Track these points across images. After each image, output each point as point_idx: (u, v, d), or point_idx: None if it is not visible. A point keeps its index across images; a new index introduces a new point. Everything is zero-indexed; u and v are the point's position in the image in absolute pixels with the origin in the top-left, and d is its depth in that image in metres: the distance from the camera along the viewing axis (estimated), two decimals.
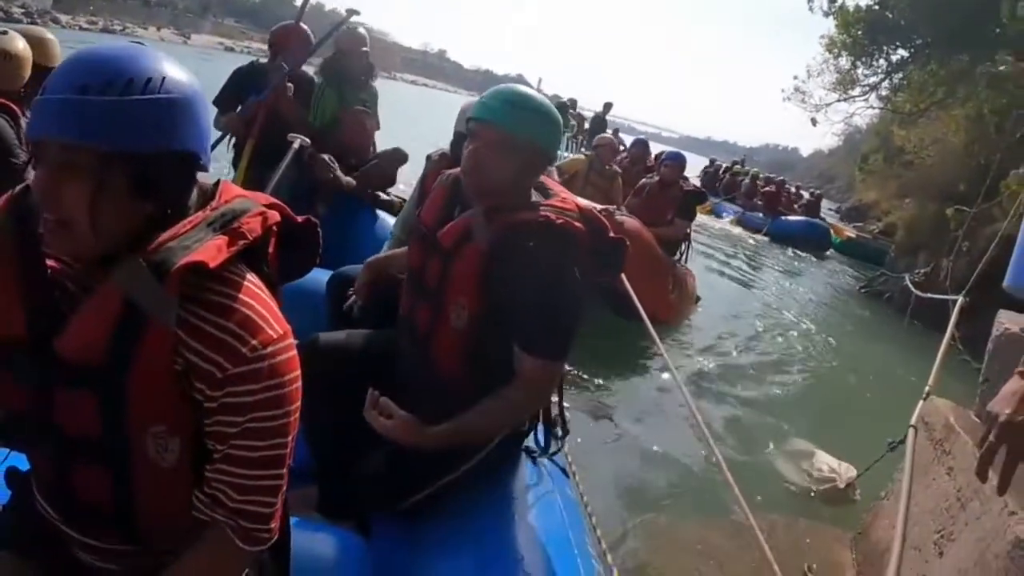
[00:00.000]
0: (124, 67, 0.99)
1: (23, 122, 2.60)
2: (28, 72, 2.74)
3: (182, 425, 1.05)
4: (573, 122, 12.45)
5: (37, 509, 1.21)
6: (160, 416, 1.04)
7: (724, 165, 22.36)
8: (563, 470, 2.14)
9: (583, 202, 1.95)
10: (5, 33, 2.72)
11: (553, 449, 2.13)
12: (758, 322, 8.00)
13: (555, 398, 2.19)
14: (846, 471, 4.16)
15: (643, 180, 6.95)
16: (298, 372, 1.08)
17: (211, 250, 1.00)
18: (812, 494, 4.06)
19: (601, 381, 4.86)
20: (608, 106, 14.14)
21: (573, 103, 12.15)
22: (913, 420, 3.07)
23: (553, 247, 1.76)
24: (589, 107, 13.31)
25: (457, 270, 1.83)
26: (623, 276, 3.43)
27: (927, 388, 3.24)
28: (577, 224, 1.82)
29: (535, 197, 1.89)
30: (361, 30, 4.22)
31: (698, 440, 4.11)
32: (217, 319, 1.00)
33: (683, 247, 6.89)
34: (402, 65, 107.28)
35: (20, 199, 1.06)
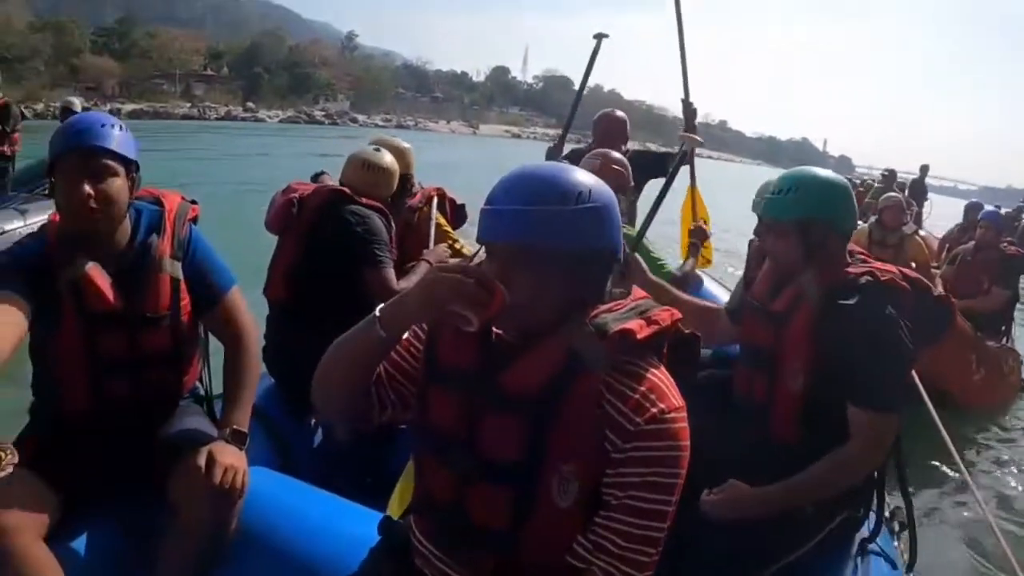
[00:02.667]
0: (559, 183, 1.23)
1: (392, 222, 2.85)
2: (396, 182, 2.97)
3: (587, 471, 1.23)
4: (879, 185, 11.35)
5: (409, 546, 1.42)
6: (574, 454, 1.23)
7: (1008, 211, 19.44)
8: (892, 562, 2.10)
9: (905, 269, 2.04)
10: (378, 150, 2.95)
11: (886, 539, 2.11)
12: None
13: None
14: None
15: (960, 246, 6.28)
16: (689, 441, 1.24)
17: (636, 325, 1.25)
18: None
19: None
20: (925, 169, 13.08)
21: (892, 174, 11.42)
22: None
23: (879, 300, 1.87)
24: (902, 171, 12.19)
25: (790, 333, 1.99)
26: None
27: None
28: (902, 283, 1.92)
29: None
30: None
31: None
32: (633, 383, 1.22)
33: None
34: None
35: None
